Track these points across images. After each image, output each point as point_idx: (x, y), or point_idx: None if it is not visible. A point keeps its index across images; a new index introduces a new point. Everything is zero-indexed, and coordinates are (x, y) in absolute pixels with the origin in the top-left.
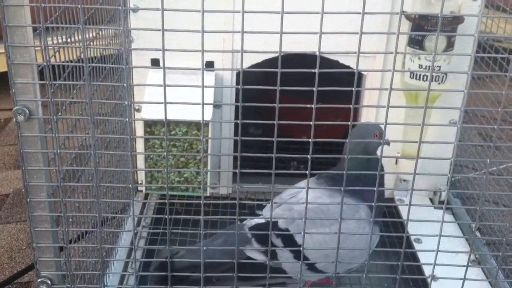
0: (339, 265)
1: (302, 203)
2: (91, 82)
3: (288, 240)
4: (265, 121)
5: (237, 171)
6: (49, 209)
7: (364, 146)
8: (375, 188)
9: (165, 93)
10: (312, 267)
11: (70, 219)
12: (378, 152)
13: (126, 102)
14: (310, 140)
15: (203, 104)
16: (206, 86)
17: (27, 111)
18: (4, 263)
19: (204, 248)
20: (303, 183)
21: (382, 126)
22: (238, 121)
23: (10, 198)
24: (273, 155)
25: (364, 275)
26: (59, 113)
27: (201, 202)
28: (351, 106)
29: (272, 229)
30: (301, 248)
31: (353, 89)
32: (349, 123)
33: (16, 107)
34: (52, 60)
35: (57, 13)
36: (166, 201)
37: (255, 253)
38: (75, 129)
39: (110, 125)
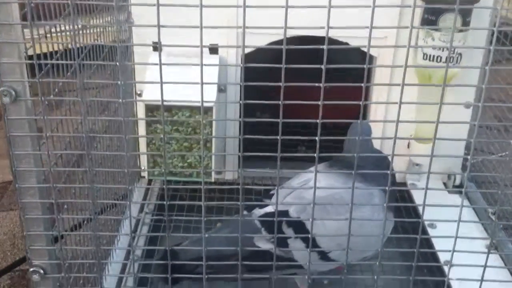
0: (354, 253)
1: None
2: (84, 62)
3: (300, 229)
4: (270, 101)
5: (239, 154)
6: (39, 195)
7: (364, 144)
8: (388, 172)
9: (161, 71)
10: (324, 256)
11: (66, 206)
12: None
13: (119, 82)
14: (318, 121)
15: (202, 85)
16: (205, 65)
17: (13, 92)
18: (7, 250)
19: (208, 235)
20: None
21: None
22: (240, 102)
23: (13, 185)
24: (278, 137)
25: (377, 263)
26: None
27: (202, 187)
28: (362, 84)
29: (283, 217)
30: (314, 237)
31: (364, 66)
32: (360, 102)
33: (1, 88)
34: (44, 47)
35: None
36: (168, 186)
37: (264, 242)
38: (69, 113)
39: (109, 110)
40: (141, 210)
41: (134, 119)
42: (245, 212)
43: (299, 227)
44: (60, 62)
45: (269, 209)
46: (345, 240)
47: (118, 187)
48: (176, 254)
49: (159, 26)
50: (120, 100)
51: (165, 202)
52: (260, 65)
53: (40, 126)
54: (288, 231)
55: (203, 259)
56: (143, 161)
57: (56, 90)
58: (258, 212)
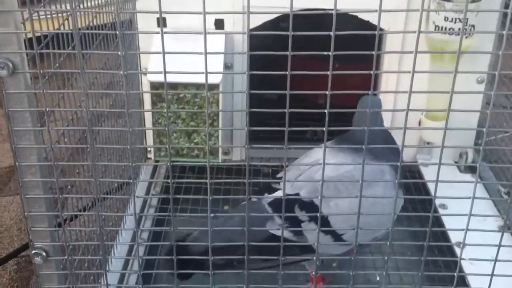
0: (366, 233)
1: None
2: (83, 31)
3: (313, 211)
4: (276, 91)
5: (246, 128)
6: (40, 174)
7: (374, 117)
8: (398, 146)
9: (163, 43)
10: (338, 238)
11: (69, 187)
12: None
13: (120, 52)
14: (325, 110)
15: (206, 67)
16: (209, 53)
17: (11, 65)
18: (14, 235)
19: (219, 228)
20: (320, 149)
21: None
22: (246, 92)
23: None
24: (286, 110)
25: (388, 243)
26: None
27: (208, 164)
28: (371, 72)
29: (295, 201)
30: (327, 218)
31: (373, 53)
32: (371, 72)
33: None
34: (44, 26)
35: None
36: (174, 164)
37: (277, 228)
38: (70, 88)
39: (114, 87)
40: (148, 192)
41: (138, 92)
42: (254, 199)
43: (312, 209)
44: (60, 31)
45: (280, 193)
46: (360, 219)
47: (123, 168)
48: (187, 247)
49: (160, 5)
50: (122, 72)
51: (170, 194)
52: (265, 52)
53: (41, 102)
54: (301, 214)
55: (214, 251)
56: (150, 142)
57: (57, 64)
58: (268, 197)
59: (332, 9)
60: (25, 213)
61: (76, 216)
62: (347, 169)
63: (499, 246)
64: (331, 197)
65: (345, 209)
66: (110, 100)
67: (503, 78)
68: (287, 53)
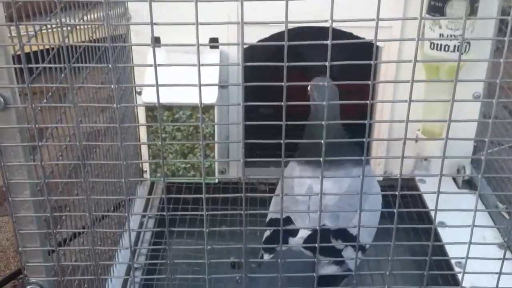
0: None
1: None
2: (74, 65)
3: (347, 236)
4: (272, 103)
5: (241, 160)
6: (34, 209)
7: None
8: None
9: (156, 72)
10: (364, 250)
11: (64, 217)
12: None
13: (109, 65)
14: (323, 122)
15: (200, 85)
16: (203, 65)
17: (2, 100)
18: (10, 257)
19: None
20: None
21: None
22: (241, 104)
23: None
24: (282, 141)
25: (387, 272)
26: (44, 101)
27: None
28: (369, 82)
29: (324, 234)
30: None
31: (371, 62)
32: (366, 101)
33: None
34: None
35: None
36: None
37: (325, 267)
38: (64, 117)
39: (109, 110)
40: (145, 209)
41: (128, 105)
42: (284, 248)
43: (344, 234)
44: (49, 65)
45: (305, 233)
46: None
47: (119, 190)
48: None
49: (152, 24)
50: (113, 86)
51: (165, 214)
52: (260, 64)
53: (33, 133)
54: (338, 243)
55: None
56: (145, 163)
57: (50, 93)
58: (296, 241)
59: (328, 20)
60: (19, 249)
61: (75, 236)
62: (348, 184)
63: (500, 273)
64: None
65: (366, 221)
66: (107, 116)
67: (502, 85)
68: (283, 63)
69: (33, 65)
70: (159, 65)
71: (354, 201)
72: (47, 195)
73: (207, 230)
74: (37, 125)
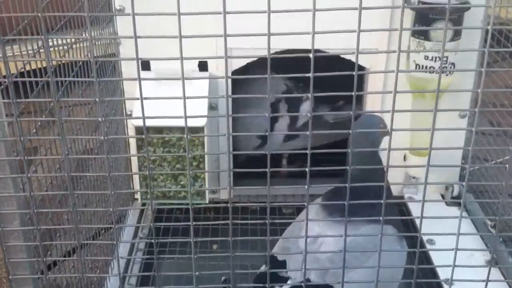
0: None
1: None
2: (62, 99)
3: None
4: (257, 133)
5: (229, 170)
6: (24, 238)
7: (371, 139)
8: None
9: (141, 92)
10: None
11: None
12: (381, 146)
13: (96, 99)
14: (307, 151)
15: (185, 112)
16: (188, 98)
17: None
18: (2, 278)
19: None
20: (312, 214)
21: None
22: (226, 135)
23: None
24: (267, 170)
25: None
26: (34, 131)
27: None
28: (351, 112)
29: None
30: None
31: (354, 73)
32: (350, 112)
33: None
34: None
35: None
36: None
37: None
38: (54, 146)
39: (100, 131)
40: (136, 234)
41: (116, 137)
42: None
43: None
44: (37, 100)
45: (292, 282)
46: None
47: (109, 213)
48: None
49: (137, 54)
50: (100, 118)
51: (153, 241)
52: (245, 96)
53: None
54: None
55: None
56: (136, 184)
57: (39, 123)
58: None
59: (310, 50)
60: (10, 277)
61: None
62: (350, 239)
63: (487, 281)
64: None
65: (362, 279)
66: (100, 132)
67: (488, 104)
68: (266, 95)
69: (22, 100)
70: (145, 98)
71: (353, 258)
72: (36, 224)
73: (195, 257)
74: (25, 157)
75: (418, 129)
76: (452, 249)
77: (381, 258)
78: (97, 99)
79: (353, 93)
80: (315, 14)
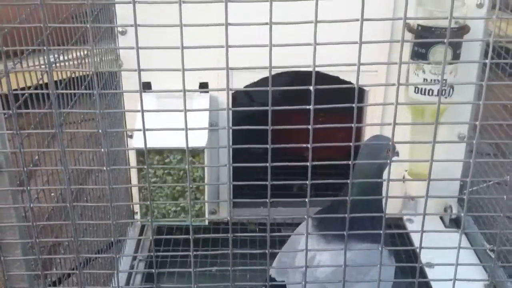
0: None
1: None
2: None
3: None
4: (258, 145)
5: (229, 200)
6: (25, 267)
7: (378, 166)
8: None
9: (143, 118)
10: None
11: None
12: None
13: (97, 111)
14: (308, 164)
15: (186, 130)
16: (189, 110)
17: None
18: None
19: None
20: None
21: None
22: (226, 147)
23: None
24: (267, 183)
25: None
26: (35, 158)
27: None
28: (352, 125)
29: None
30: None
31: (354, 105)
32: (350, 143)
33: None
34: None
35: None
36: (157, 232)
37: None
38: (56, 174)
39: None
40: (136, 250)
41: (116, 149)
42: None
43: None
44: (38, 131)
45: None
46: None
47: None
48: None
49: (139, 71)
50: (99, 131)
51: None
52: (246, 108)
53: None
54: None
55: None
56: (136, 205)
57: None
58: None
59: (311, 65)
60: None
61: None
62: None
63: None
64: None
65: None
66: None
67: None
68: (267, 108)
69: (25, 131)
70: (146, 110)
71: (349, 277)
72: (38, 253)
73: (194, 270)
74: (29, 188)
75: (417, 160)
76: (451, 279)
77: (375, 276)
78: (98, 111)
79: (353, 105)
80: (316, 24)
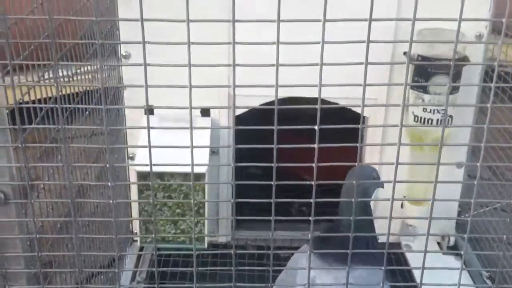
0: None
1: None
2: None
3: None
4: (262, 164)
5: (232, 218)
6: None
7: (363, 189)
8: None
9: (149, 137)
10: None
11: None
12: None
13: (104, 127)
14: (312, 182)
15: (192, 153)
16: (195, 128)
17: (2, 196)
18: None
19: None
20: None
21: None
22: (231, 165)
23: None
24: (272, 200)
25: None
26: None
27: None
28: (357, 144)
29: None
30: None
31: (359, 126)
32: (355, 163)
33: None
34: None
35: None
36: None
37: None
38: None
39: (101, 159)
40: (134, 275)
41: (121, 165)
42: None
43: None
44: (41, 126)
45: None
46: None
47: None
48: None
49: (146, 88)
50: (105, 146)
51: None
52: (250, 127)
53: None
54: None
55: None
56: (135, 226)
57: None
58: None
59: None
60: None
61: None
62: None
63: None
64: None
65: None
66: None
67: (486, 155)
68: (272, 146)
69: (33, 164)
70: (153, 146)
71: None
72: (42, 283)
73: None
74: (35, 218)
75: (420, 181)
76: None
77: None
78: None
79: (357, 145)
80: (323, 45)
